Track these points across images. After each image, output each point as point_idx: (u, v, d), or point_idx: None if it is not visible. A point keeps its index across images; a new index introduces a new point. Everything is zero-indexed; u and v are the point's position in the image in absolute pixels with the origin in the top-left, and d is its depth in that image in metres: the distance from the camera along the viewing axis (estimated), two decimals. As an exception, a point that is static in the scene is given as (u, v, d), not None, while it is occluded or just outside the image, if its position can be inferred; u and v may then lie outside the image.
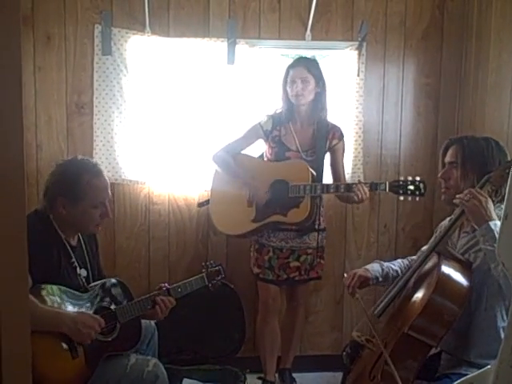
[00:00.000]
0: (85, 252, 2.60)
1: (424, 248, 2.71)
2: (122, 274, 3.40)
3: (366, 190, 3.10)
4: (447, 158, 2.51)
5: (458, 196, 2.29)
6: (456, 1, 3.87)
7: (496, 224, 2.14)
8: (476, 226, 2.24)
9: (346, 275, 2.71)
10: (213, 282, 2.82)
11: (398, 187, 3.07)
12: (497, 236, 2.08)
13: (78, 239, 2.60)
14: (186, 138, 3.76)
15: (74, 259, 2.51)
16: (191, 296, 2.73)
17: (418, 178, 3.06)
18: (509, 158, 2.42)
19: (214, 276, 2.83)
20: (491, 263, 2.16)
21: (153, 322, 2.77)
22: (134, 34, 3.65)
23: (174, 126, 3.75)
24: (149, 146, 3.73)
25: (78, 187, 2.44)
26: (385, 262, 2.77)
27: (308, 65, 3.33)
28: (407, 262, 2.77)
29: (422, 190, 3.04)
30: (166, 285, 2.67)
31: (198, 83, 3.73)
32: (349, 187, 3.15)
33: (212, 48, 3.70)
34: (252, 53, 3.74)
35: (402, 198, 3.10)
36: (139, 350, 2.63)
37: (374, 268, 2.69)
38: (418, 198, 3.07)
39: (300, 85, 3.28)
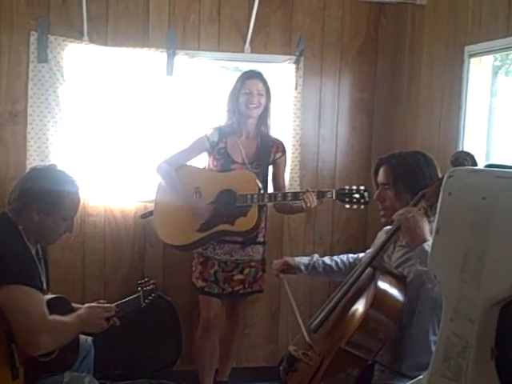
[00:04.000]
0: (42, 263, 2.55)
1: (361, 255, 2.81)
2: (55, 286, 3.29)
3: (314, 198, 3.15)
4: (379, 179, 2.55)
5: (396, 213, 2.33)
6: (390, 19, 4.00)
7: (429, 245, 2.16)
8: (411, 245, 2.29)
9: (275, 261, 2.97)
10: (146, 302, 2.82)
11: (343, 195, 3.15)
12: None
13: (36, 250, 2.54)
14: (123, 149, 3.71)
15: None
16: (127, 309, 2.71)
17: (362, 187, 3.15)
18: (437, 170, 2.47)
19: (149, 294, 2.84)
20: (429, 284, 2.20)
21: (89, 339, 2.73)
22: (71, 41, 3.59)
23: (112, 137, 3.70)
24: (84, 156, 3.67)
25: (58, 197, 2.45)
26: (327, 256, 2.94)
27: (263, 79, 3.38)
28: (352, 259, 2.87)
29: (367, 199, 3.13)
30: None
31: (136, 93, 3.70)
32: (296, 196, 3.19)
33: (151, 58, 3.68)
34: (191, 64, 3.74)
35: (347, 206, 3.18)
36: (73, 368, 2.57)
37: (303, 259, 2.88)
38: (362, 206, 3.15)
39: (256, 97, 3.31)
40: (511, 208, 1.62)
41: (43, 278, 2.50)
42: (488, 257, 1.66)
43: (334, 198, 3.16)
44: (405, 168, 2.46)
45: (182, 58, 3.72)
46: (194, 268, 3.45)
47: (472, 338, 1.68)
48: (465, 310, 1.70)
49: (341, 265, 2.85)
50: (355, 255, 2.90)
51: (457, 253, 1.73)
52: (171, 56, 3.69)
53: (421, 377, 1.84)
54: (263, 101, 3.35)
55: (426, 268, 2.17)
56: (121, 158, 3.72)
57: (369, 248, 2.79)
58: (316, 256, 2.91)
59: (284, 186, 3.53)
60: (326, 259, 2.89)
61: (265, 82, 3.37)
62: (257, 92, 3.32)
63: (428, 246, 2.17)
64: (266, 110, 3.40)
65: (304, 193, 3.17)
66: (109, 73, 3.67)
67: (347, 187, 3.17)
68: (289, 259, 2.90)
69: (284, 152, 3.49)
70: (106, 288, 3.74)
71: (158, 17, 3.72)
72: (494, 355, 1.67)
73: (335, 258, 2.90)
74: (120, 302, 2.67)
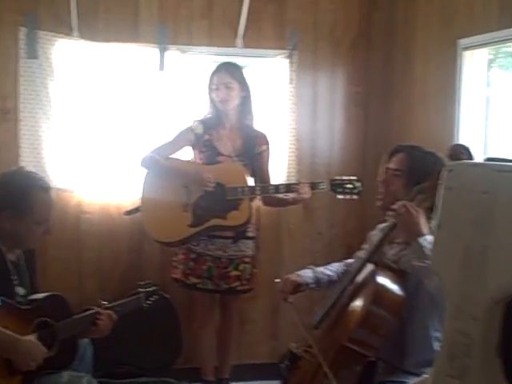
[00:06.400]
0: (24, 269, 2.48)
1: (359, 253, 2.74)
2: (51, 286, 3.25)
3: (307, 189, 3.12)
4: (391, 164, 2.49)
5: (392, 207, 2.31)
6: (382, 12, 3.98)
7: (426, 239, 2.13)
8: (407, 240, 2.27)
9: (277, 280, 2.71)
10: (148, 303, 2.77)
11: (337, 186, 3.14)
12: (426, 252, 2.09)
13: (17, 254, 2.47)
14: (116, 144, 3.69)
15: (12, 276, 2.39)
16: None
17: (354, 177, 3.15)
18: None
19: (150, 296, 2.79)
20: (424, 279, 2.16)
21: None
22: (61, 37, 3.56)
23: (104, 133, 3.67)
24: (78, 152, 3.64)
25: (26, 201, 2.35)
26: (319, 266, 2.78)
27: (230, 70, 3.31)
28: (343, 266, 2.79)
29: (359, 189, 3.13)
30: (106, 303, 2.59)
31: (128, 89, 3.68)
32: (289, 187, 3.15)
33: (142, 54, 3.66)
34: (183, 59, 3.72)
35: (340, 196, 3.16)
36: (71, 367, 2.54)
37: (306, 273, 2.69)
38: (355, 197, 3.15)
39: (224, 90, 3.25)
40: (512, 202, 1.61)
41: (18, 289, 2.42)
42: (490, 252, 1.65)
43: (327, 189, 3.14)
44: (423, 163, 2.40)
45: (173, 53, 3.70)
46: (175, 263, 3.37)
47: (477, 336, 1.67)
48: (468, 307, 1.69)
49: (339, 274, 2.72)
50: (343, 262, 2.80)
51: (458, 249, 1.72)
52: (162, 51, 3.67)
53: (426, 376, 1.84)
54: (235, 93, 3.27)
55: (422, 264, 2.15)
56: (114, 153, 3.68)
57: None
58: (316, 268, 2.74)
59: (269, 180, 3.43)
60: (325, 270, 2.73)
61: (234, 73, 3.28)
62: (224, 86, 3.25)
63: (425, 240, 2.15)
64: (246, 101, 3.33)
65: (297, 184, 3.14)
66: (100, 68, 3.63)
67: (339, 177, 3.16)
68: (296, 278, 2.63)
69: (268, 144, 3.43)
70: (103, 287, 3.70)
71: (148, 12, 3.69)
72: (500, 353, 1.67)
73: (329, 267, 2.75)
74: (120, 302, 2.64)
